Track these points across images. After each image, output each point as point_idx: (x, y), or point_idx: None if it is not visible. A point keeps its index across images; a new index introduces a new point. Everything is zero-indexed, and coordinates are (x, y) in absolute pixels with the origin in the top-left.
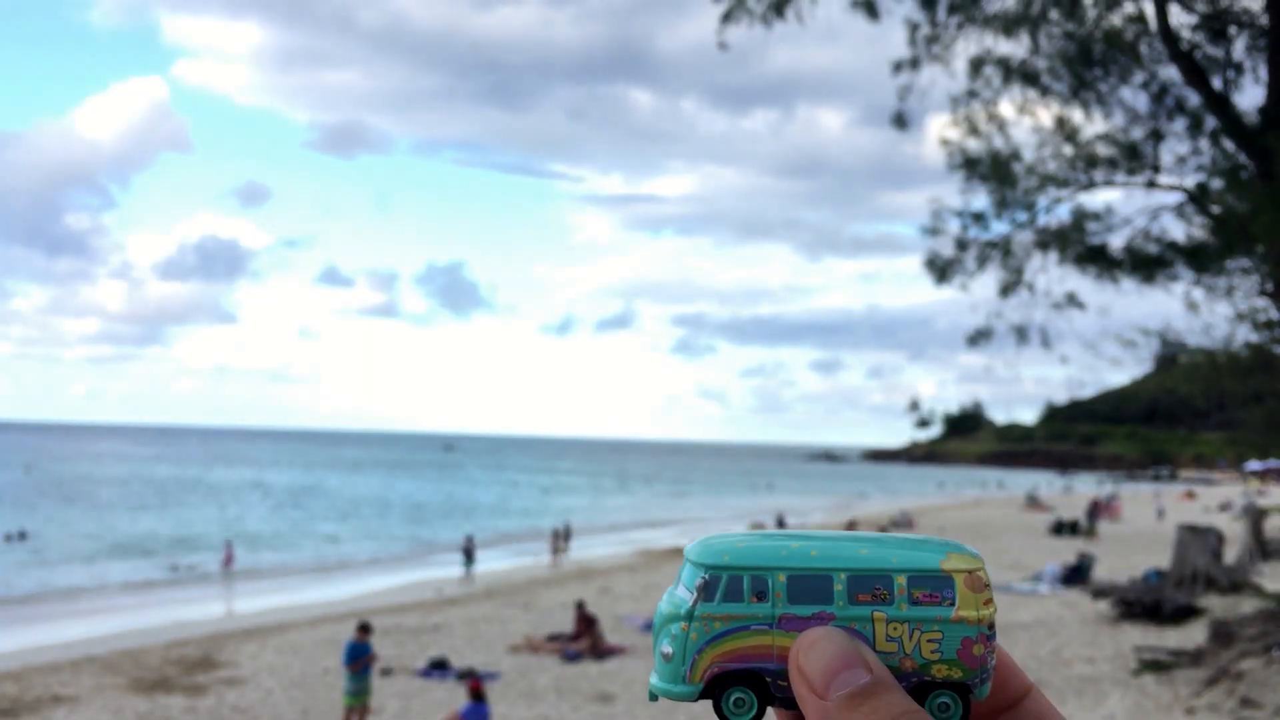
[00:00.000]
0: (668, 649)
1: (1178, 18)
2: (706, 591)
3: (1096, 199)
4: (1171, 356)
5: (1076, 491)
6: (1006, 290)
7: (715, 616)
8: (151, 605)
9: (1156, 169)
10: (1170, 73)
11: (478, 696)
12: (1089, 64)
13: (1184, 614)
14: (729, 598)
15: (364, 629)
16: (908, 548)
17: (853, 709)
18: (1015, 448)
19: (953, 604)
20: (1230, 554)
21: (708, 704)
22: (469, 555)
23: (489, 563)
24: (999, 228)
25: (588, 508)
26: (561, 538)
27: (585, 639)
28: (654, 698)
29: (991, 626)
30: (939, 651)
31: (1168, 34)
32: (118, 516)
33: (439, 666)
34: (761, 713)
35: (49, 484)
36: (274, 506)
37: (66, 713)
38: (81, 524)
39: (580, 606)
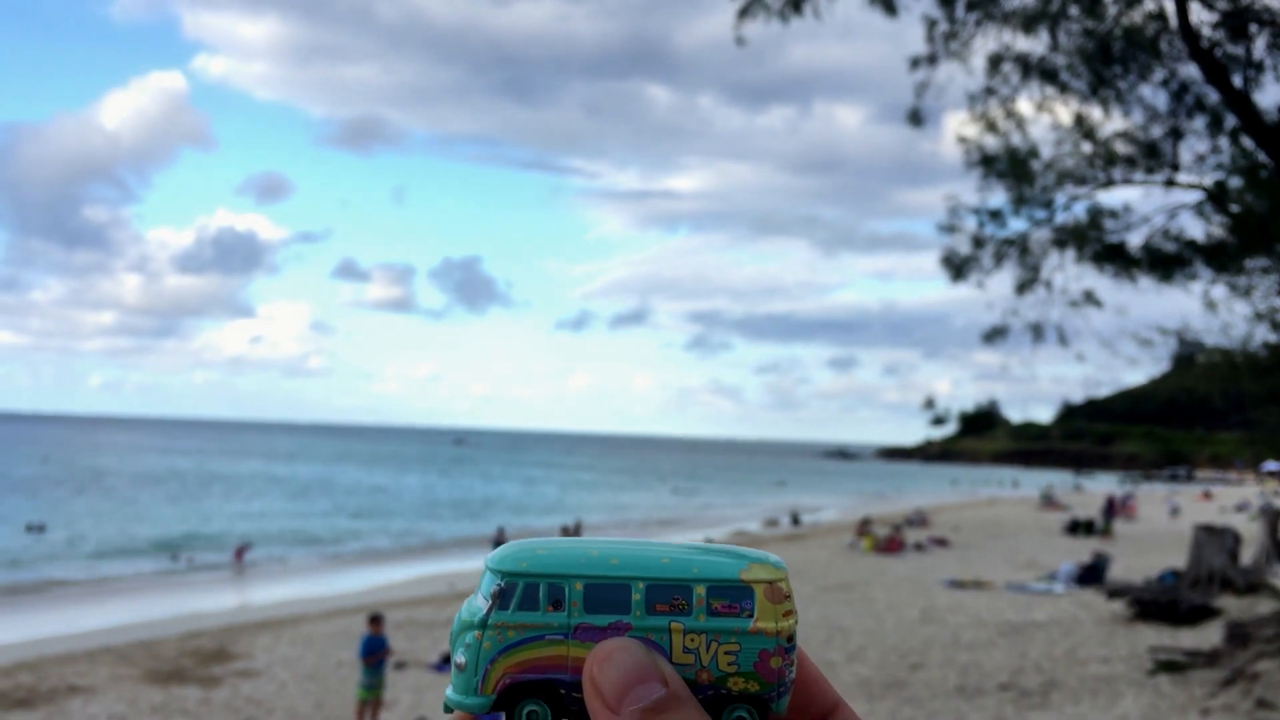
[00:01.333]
0: (461, 659)
1: (1198, 15)
2: (501, 599)
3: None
4: (1189, 356)
5: (1092, 491)
6: (1023, 288)
7: (509, 625)
8: (166, 597)
9: (1175, 167)
10: (1190, 70)
11: None
12: (1108, 61)
13: (1200, 614)
14: (524, 606)
15: (375, 620)
16: (711, 557)
17: None
18: (1031, 446)
19: (751, 615)
20: (1247, 554)
21: None
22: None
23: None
24: (1016, 225)
25: (601, 504)
26: (571, 535)
27: None
28: (448, 710)
29: (791, 639)
30: (736, 664)
31: (1188, 31)
32: (135, 508)
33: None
34: None
35: (67, 476)
36: (288, 499)
37: (82, 703)
38: (99, 516)
39: None
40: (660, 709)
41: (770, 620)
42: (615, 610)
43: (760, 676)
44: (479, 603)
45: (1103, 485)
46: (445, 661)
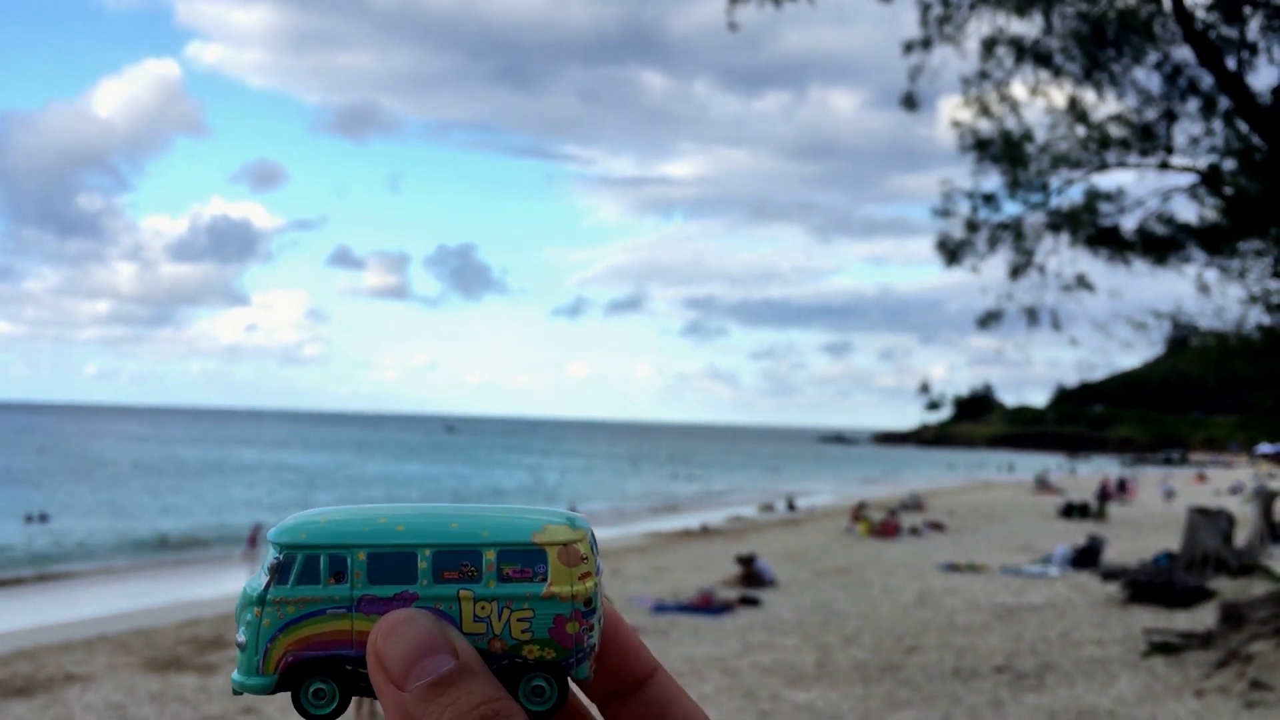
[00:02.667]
0: (241, 638)
1: None
2: (280, 573)
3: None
4: (1183, 339)
5: (1087, 475)
6: (1017, 272)
7: (289, 600)
8: (164, 585)
9: (1169, 150)
10: (1184, 53)
11: None
12: (1102, 44)
13: (1194, 596)
14: (304, 579)
15: None
16: (504, 520)
17: (432, 699)
18: (1025, 430)
19: (545, 579)
20: (1241, 536)
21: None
22: None
23: None
24: (1010, 209)
25: (598, 489)
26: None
27: None
28: (236, 692)
29: (589, 602)
30: (530, 631)
31: (1182, 14)
32: (132, 497)
33: None
34: (344, 704)
35: (63, 465)
36: (285, 487)
37: (80, 691)
38: (96, 504)
39: None
40: (449, 682)
41: (565, 584)
42: (401, 580)
43: (556, 643)
44: (260, 577)
45: (1097, 469)
46: None
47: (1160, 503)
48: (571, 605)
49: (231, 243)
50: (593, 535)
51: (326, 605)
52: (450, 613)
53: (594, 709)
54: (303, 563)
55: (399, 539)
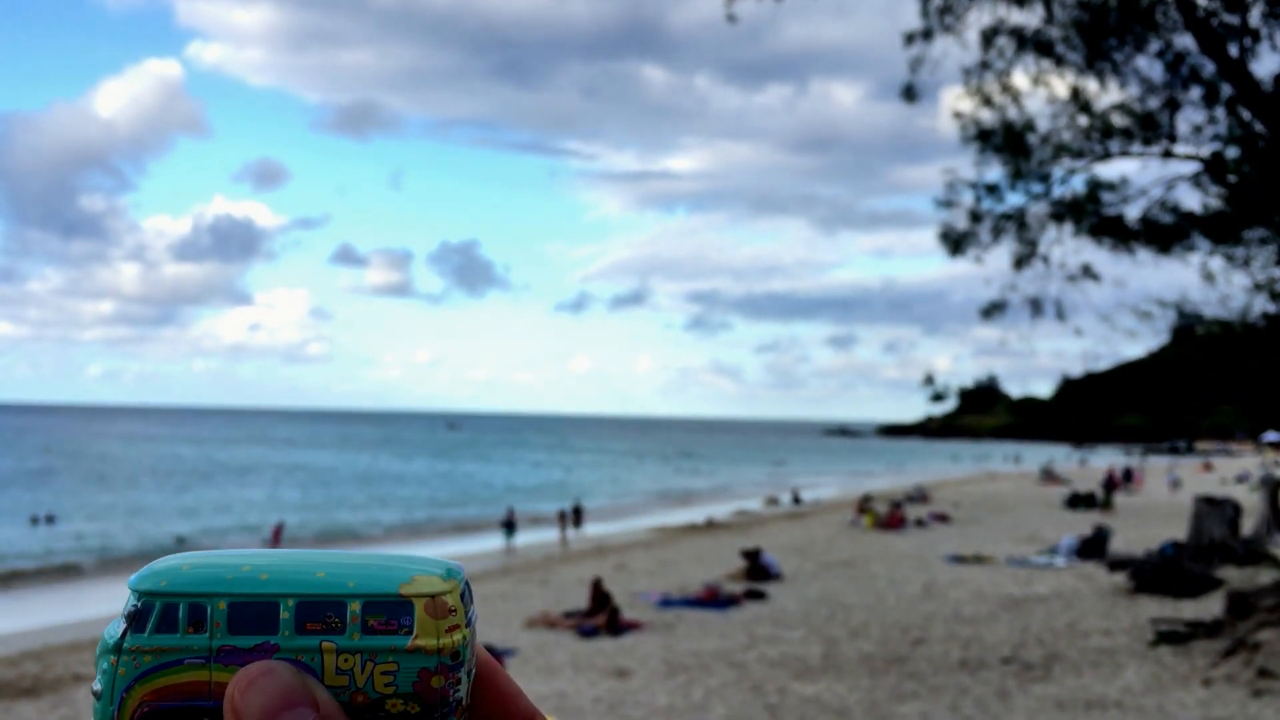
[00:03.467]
0: (97, 686)
1: None
2: (137, 621)
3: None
4: (1188, 328)
5: (1092, 464)
6: (1021, 263)
7: (145, 650)
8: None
9: (1172, 139)
10: (1186, 41)
11: None
12: (1104, 33)
13: (1201, 585)
14: (162, 628)
15: None
16: (372, 570)
17: None
18: (1030, 421)
19: (410, 632)
20: (1247, 525)
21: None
22: (510, 527)
23: (498, 541)
24: (1013, 200)
25: (603, 485)
26: (570, 520)
27: (601, 615)
28: None
29: (456, 655)
30: (394, 684)
31: (1183, 1)
32: (138, 497)
33: None
34: None
35: (70, 466)
36: (291, 487)
37: (88, 691)
38: (102, 505)
39: (597, 583)
40: None
41: (431, 637)
42: (262, 630)
43: (421, 697)
44: (118, 625)
45: (1103, 459)
46: None
47: (1166, 492)
48: (437, 659)
49: (234, 242)
50: (467, 586)
51: (184, 655)
52: (312, 665)
53: None
54: (161, 611)
55: (261, 588)
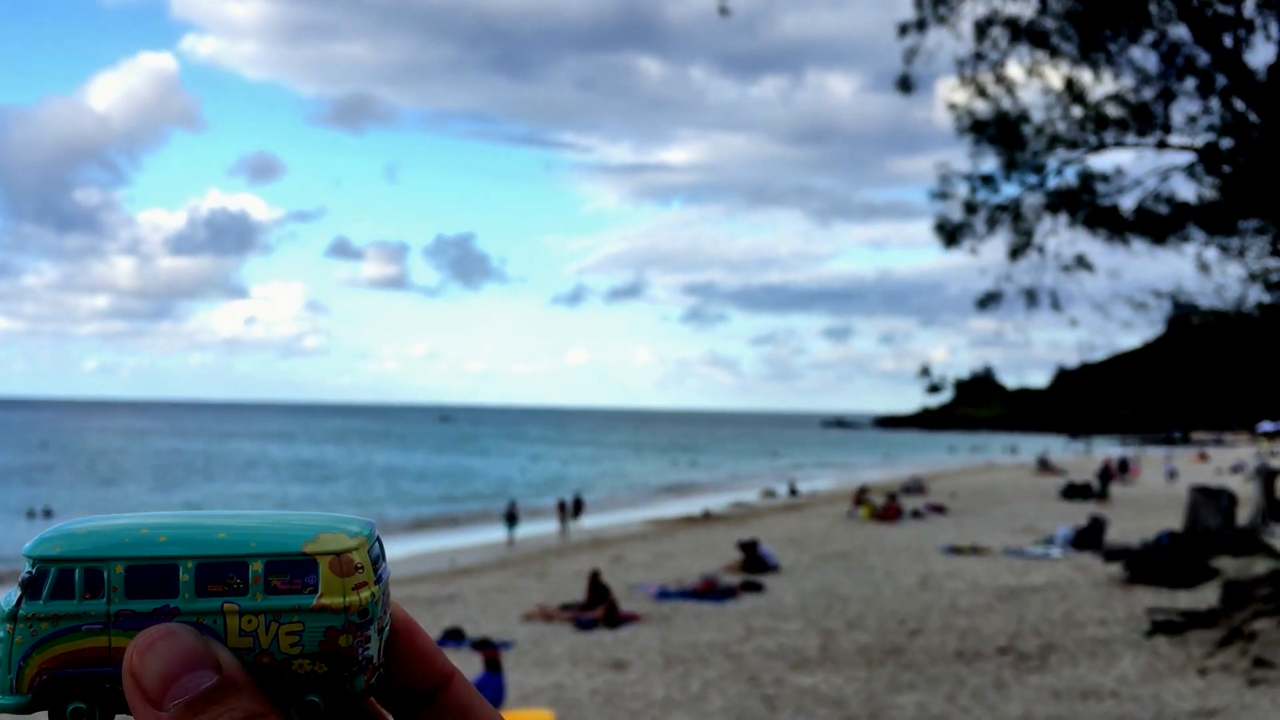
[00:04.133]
0: None
1: None
2: (31, 588)
3: (1106, 160)
4: (1183, 318)
5: (1087, 455)
6: (1016, 253)
7: (41, 617)
8: None
9: (1167, 129)
10: (1180, 31)
11: (493, 666)
12: (1098, 23)
13: (1196, 575)
14: (58, 594)
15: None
16: (275, 529)
17: (192, 716)
18: (1026, 412)
19: (315, 591)
20: (1243, 515)
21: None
22: (512, 520)
23: (497, 534)
24: (1008, 190)
25: (600, 477)
26: (570, 512)
27: (599, 607)
28: None
29: (364, 613)
30: (300, 645)
31: None
32: (135, 492)
33: (453, 636)
34: None
35: (66, 460)
36: (290, 480)
37: None
38: (100, 500)
39: (595, 576)
40: (210, 698)
41: (337, 595)
42: (161, 594)
43: (328, 657)
44: (14, 593)
45: (1099, 449)
46: (446, 637)
47: (1162, 482)
48: (344, 617)
49: (230, 235)
50: (378, 542)
51: (81, 621)
52: (215, 627)
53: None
54: (56, 577)
55: (160, 550)
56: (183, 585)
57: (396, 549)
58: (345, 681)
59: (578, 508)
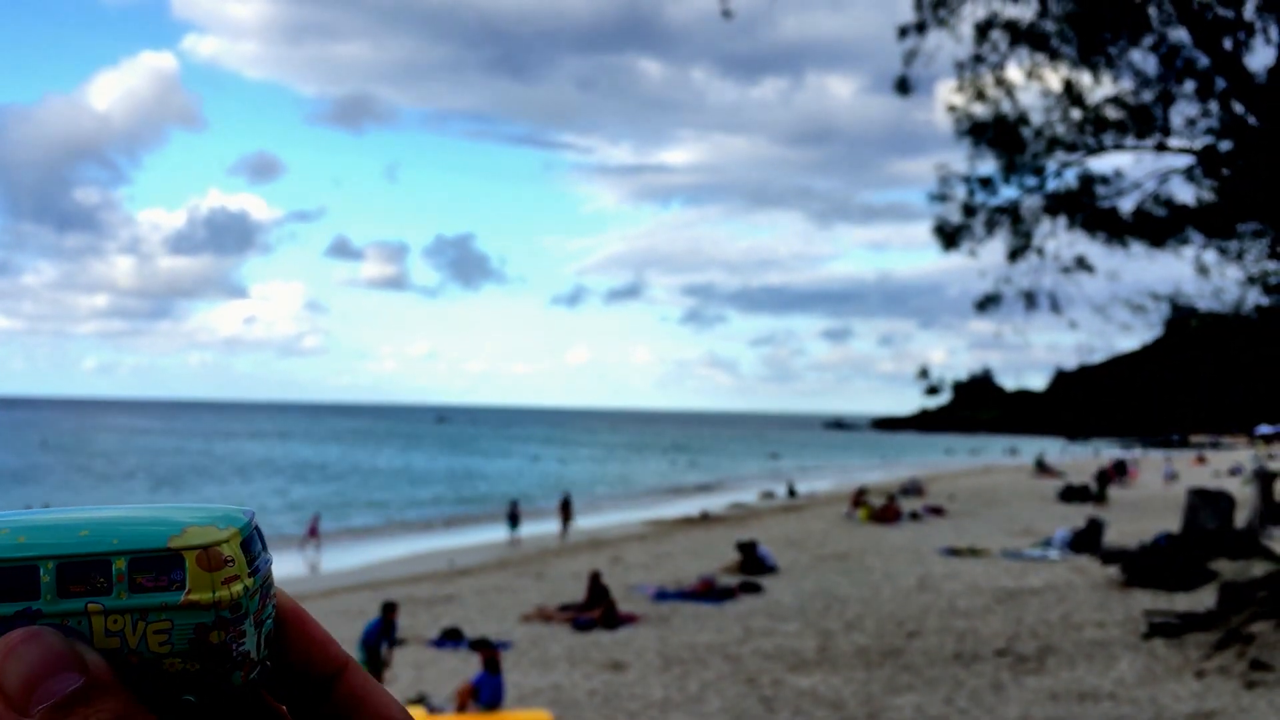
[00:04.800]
0: None
1: None
2: None
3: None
4: (1182, 321)
5: (1086, 457)
6: (1015, 255)
7: None
8: None
9: (1166, 132)
10: (1180, 34)
11: (492, 666)
12: (1098, 26)
13: (1194, 578)
14: None
15: (388, 608)
16: (140, 524)
17: None
18: (1025, 414)
19: (182, 587)
20: (1241, 517)
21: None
22: (514, 520)
23: (496, 534)
24: (1007, 193)
25: (599, 478)
26: (569, 513)
27: (597, 608)
28: None
29: (236, 608)
30: (170, 643)
31: None
32: (135, 491)
33: (452, 636)
34: None
35: (66, 459)
36: (288, 479)
37: None
38: (99, 499)
39: (595, 576)
40: (77, 701)
41: (205, 591)
42: (22, 596)
43: (200, 654)
44: None
45: (1099, 451)
46: (444, 637)
47: (1160, 485)
48: (215, 613)
49: (229, 235)
50: (256, 533)
51: None
52: (80, 628)
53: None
54: None
55: (19, 551)
56: (44, 586)
57: (396, 549)
58: (221, 678)
59: (566, 511)
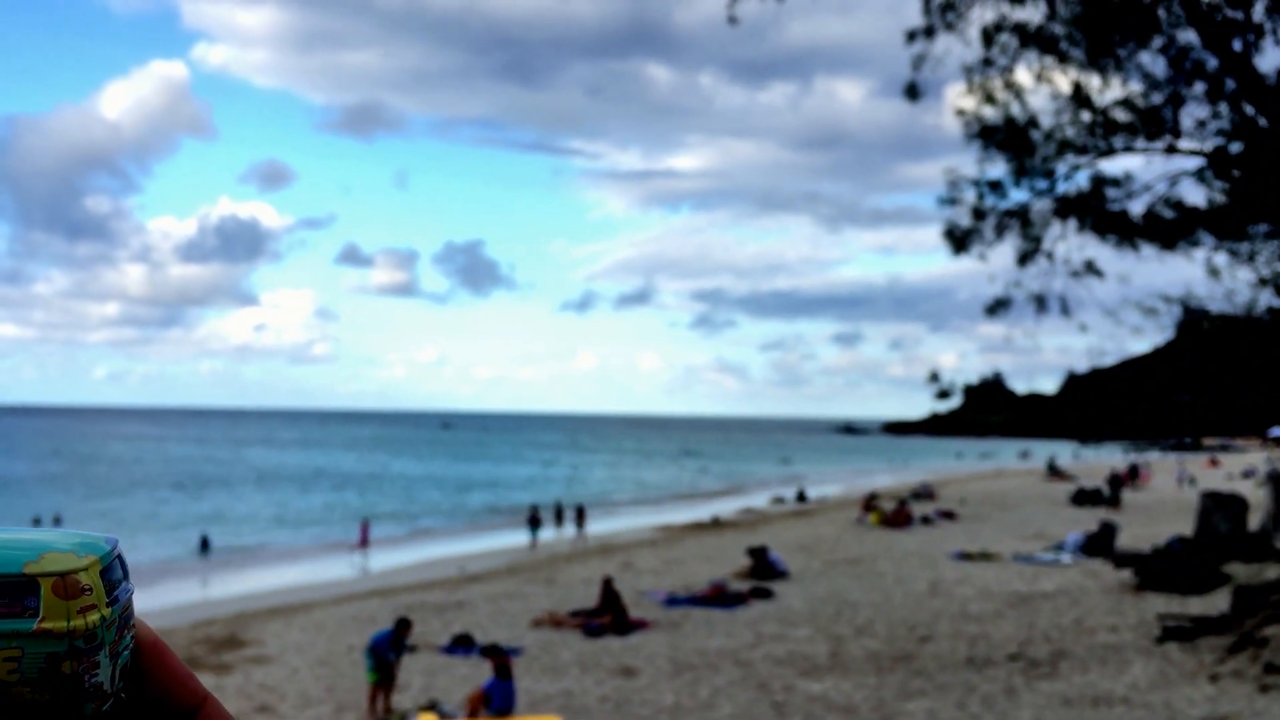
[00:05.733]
0: None
1: None
2: None
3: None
4: (1194, 323)
5: (1098, 461)
6: (1025, 259)
7: None
8: (177, 586)
9: (1176, 134)
10: (1189, 36)
11: (503, 672)
12: (1107, 28)
13: (1207, 581)
14: None
15: (401, 625)
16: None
17: None
18: (1036, 417)
19: (36, 614)
20: (1254, 520)
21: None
22: (535, 524)
23: (510, 539)
24: (1017, 196)
25: (608, 484)
26: (583, 518)
27: (608, 613)
28: None
29: (91, 638)
30: (19, 671)
31: None
32: (146, 498)
33: (462, 643)
34: None
35: (78, 468)
36: (301, 487)
37: None
38: (111, 507)
39: (608, 582)
40: None
41: (60, 619)
42: None
43: (51, 684)
44: None
45: (1109, 456)
46: (456, 644)
47: (1173, 488)
48: (69, 642)
49: (240, 243)
50: (117, 560)
51: None
52: None
53: None
54: None
55: None
56: None
57: (407, 555)
58: (72, 710)
59: (559, 516)
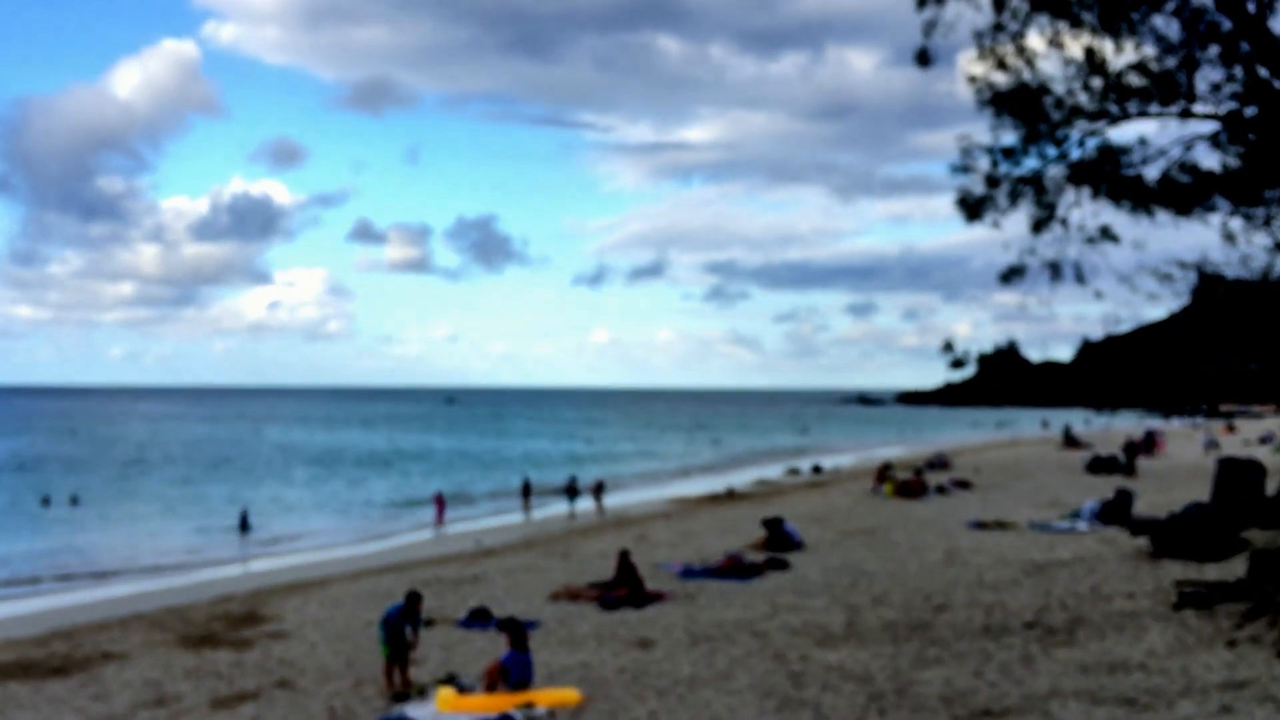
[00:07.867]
0: None
1: None
2: None
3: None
4: (1210, 289)
5: (1114, 428)
6: (1039, 226)
7: None
8: (197, 563)
9: (1190, 98)
10: None
11: (520, 644)
12: None
13: (1224, 548)
14: None
15: (412, 598)
16: None
17: None
18: (1051, 386)
19: None
20: (1271, 486)
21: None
22: (573, 494)
23: (520, 514)
24: (1030, 163)
25: (623, 457)
26: (601, 491)
27: (624, 586)
28: None
29: None
30: None
31: None
32: (164, 477)
33: (480, 616)
34: None
35: (95, 448)
36: (315, 463)
37: (117, 669)
38: (129, 486)
39: (625, 555)
40: None
41: None
42: None
43: None
44: None
45: (1126, 423)
46: (472, 618)
47: (1189, 455)
48: None
49: (253, 221)
50: None
51: None
52: None
53: None
54: None
55: None
56: None
57: (423, 530)
58: None
59: (572, 492)
